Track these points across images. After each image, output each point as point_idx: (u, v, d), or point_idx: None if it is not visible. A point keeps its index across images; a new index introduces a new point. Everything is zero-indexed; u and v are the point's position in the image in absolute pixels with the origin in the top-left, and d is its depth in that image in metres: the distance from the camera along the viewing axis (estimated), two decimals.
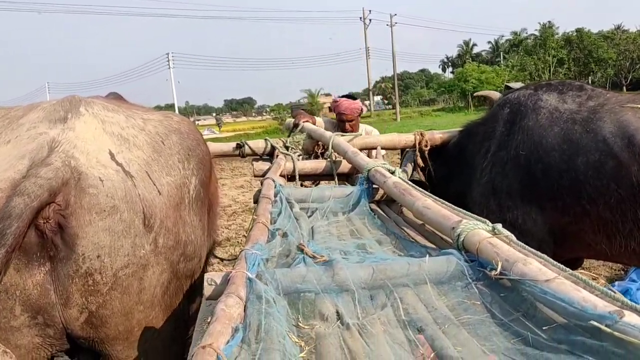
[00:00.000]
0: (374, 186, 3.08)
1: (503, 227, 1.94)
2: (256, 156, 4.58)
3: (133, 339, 2.32)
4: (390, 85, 73.89)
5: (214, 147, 4.60)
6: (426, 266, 1.84)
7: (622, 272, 5.83)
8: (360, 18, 65.57)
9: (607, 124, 3.31)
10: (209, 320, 1.44)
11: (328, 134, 4.22)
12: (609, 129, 3.28)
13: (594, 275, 5.75)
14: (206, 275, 1.78)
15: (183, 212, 2.52)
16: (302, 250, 2.06)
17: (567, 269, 1.57)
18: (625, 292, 5.04)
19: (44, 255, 2.07)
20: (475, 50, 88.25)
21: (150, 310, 2.34)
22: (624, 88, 50.20)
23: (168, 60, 68.14)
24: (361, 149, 4.07)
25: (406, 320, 1.60)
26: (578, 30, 61.03)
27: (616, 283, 5.40)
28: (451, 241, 2.04)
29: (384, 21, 65.59)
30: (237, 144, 4.59)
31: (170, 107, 65.56)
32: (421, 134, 4.44)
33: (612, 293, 1.37)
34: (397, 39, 62.37)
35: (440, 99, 79.09)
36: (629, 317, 1.23)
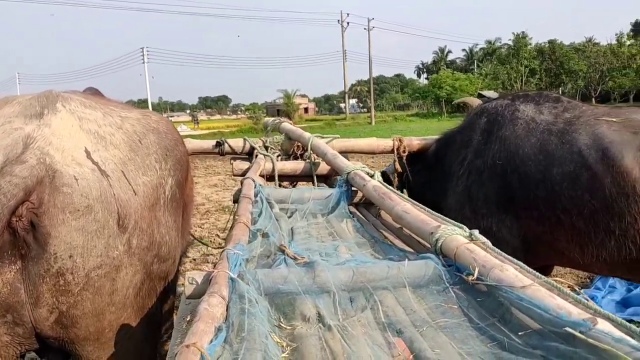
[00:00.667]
0: (353, 189, 3.11)
1: None
2: (234, 155, 4.58)
3: (104, 340, 2.29)
4: (366, 89, 74.32)
5: (194, 143, 4.59)
6: (405, 270, 1.87)
7: (588, 280, 5.98)
8: (338, 21, 65.80)
9: (583, 136, 3.39)
10: (188, 319, 1.45)
11: (307, 134, 4.24)
12: (584, 141, 3.36)
13: (563, 282, 5.89)
14: (187, 274, 1.78)
15: (158, 213, 2.50)
16: (283, 251, 2.07)
17: (542, 276, 1.62)
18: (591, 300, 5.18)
19: (15, 254, 2.03)
20: (450, 57, 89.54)
21: (122, 311, 2.32)
22: (593, 100, 51.46)
23: (142, 55, 67.09)
24: (340, 152, 4.09)
25: (385, 322, 1.63)
26: (550, 42, 62.45)
27: (582, 291, 5.54)
28: (429, 245, 2.08)
29: (361, 25, 65.96)
30: (217, 141, 4.59)
31: (143, 102, 64.70)
32: (399, 140, 4.49)
33: (586, 301, 1.42)
34: (373, 43, 62.62)
35: (415, 104, 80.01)
36: (602, 325, 1.28)
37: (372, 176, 2.99)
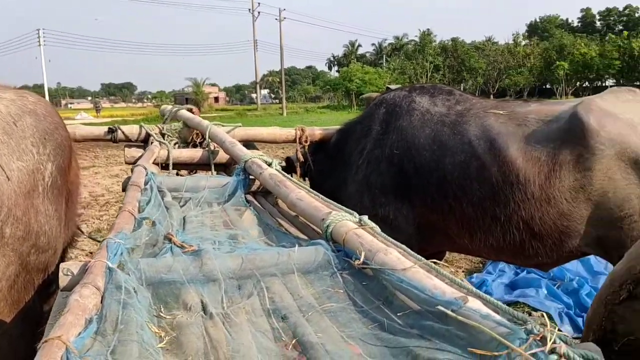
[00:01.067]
0: (251, 177, 3.08)
1: (375, 222, 2.02)
2: (129, 142, 4.38)
3: None
4: (278, 80, 74.21)
5: (84, 130, 4.34)
6: (295, 256, 1.87)
7: (481, 265, 6.33)
8: (249, 10, 65.05)
9: (472, 127, 3.56)
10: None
11: (205, 122, 4.15)
12: (473, 132, 3.54)
13: (454, 268, 6.20)
14: (62, 265, 1.67)
15: (36, 201, 2.33)
16: (170, 240, 2.00)
17: (423, 258, 1.67)
18: (482, 284, 5.49)
19: None
20: (360, 51, 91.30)
21: None
22: (492, 96, 54.53)
23: (38, 37, 62.77)
24: (243, 141, 4.04)
25: (271, 308, 1.62)
26: (453, 40, 65.59)
27: (474, 275, 5.86)
28: (321, 232, 2.10)
29: (273, 15, 65.64)
30: (110, 128, 4.35)
31: (39, 87, 60.77)
32: (302, 130, 4.51)
33: (460, 281, 1.48)
34: (285, 35, 62.68)
35: (326, 97, 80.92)
36: (472, 303, 1.34)
37: (270, 164, 2.97)
